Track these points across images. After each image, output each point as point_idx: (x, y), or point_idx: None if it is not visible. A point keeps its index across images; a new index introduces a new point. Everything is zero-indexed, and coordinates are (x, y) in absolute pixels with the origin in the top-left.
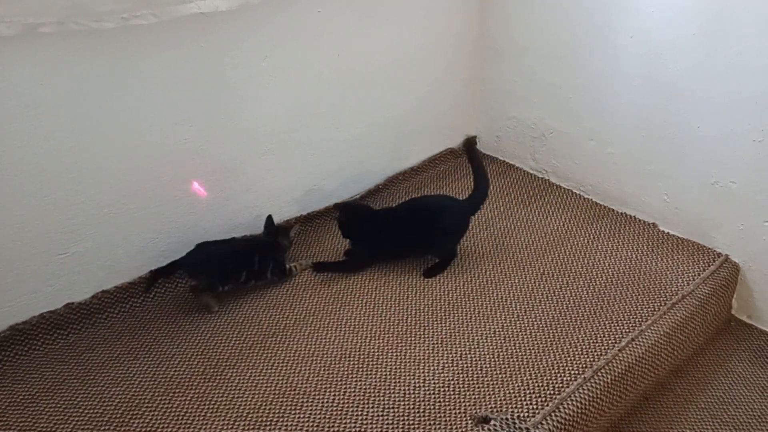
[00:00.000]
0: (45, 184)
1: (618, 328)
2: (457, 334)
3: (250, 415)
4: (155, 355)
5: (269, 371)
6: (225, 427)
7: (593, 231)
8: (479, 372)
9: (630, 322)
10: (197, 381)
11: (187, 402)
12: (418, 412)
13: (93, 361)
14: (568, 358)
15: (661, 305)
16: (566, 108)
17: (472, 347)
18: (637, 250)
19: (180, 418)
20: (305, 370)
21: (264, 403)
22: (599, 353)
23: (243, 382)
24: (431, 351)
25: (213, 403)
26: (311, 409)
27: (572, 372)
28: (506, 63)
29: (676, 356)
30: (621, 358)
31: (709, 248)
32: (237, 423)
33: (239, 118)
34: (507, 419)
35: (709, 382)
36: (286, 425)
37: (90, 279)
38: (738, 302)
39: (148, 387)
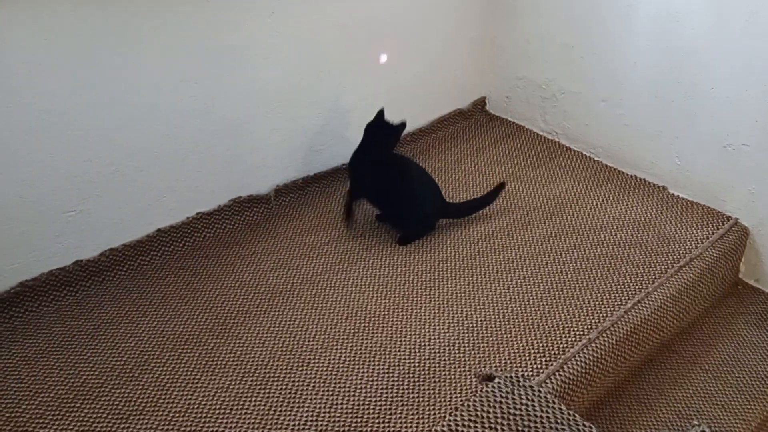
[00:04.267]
0: (50, 142)
1: (625, 290)
2: (462, 294)
3: (257, 371)
4: (164, 312)
5: (277, 329)
6: (233, 383)
7: (602, 193)
8: (484, 332)
9: (637, 284)
10: (205, 337)
11: (195, 358)
12: (423, 369)
13: (102, 318)
14: (574, 319)
15: (668, 268)
16: (578, 69)
17: (478, 307)
18: (646, 213)
19: (189, 373)
20: (312, 327)
21: (272, 360)
22: (605, 315)
23: (251, 339)
24: (437, 311)
25: (221, 359)
26: (318, 366)
27: (577, 333)
28: (518, 22)
29: (682, 319)
30: (627, 320)
31: (719, 211)
32: (245, 378)
33: (245, 76)
34: (511, 377)
35: (714, 345)
36: (293, 381)
37: (98, 237)
38: (746, 266)
39: (156, 343)
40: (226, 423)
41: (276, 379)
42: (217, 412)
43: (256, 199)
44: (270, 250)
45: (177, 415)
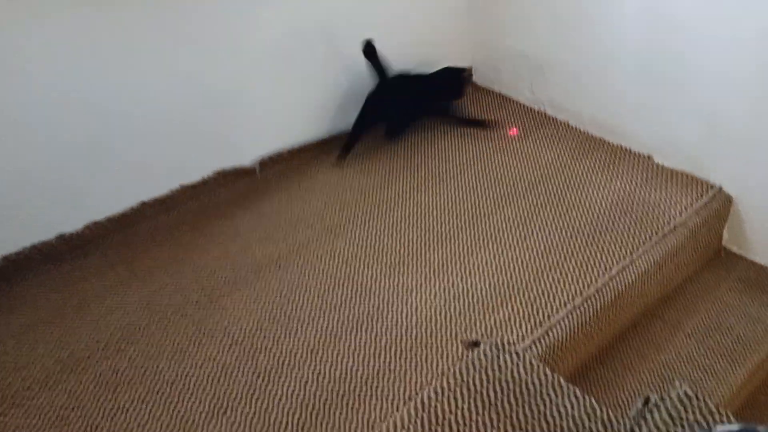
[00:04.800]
0: (30, 115)
1: (609, 257)
2: (449, 263)
3: (244, 341)
4: (149, 285)
5: (263, 300)
6: (220, 353)
7: (588, 163)
8: (471, 299)
9: (622, 251)
10: (191, 309)
11: (182, 329)
12: (411, 337)
13: (87, 291)
14: (559, 286)
15: (653, 235)
16: (566, 39)
17: (464, 276)
18: (631, 182)
19: (175, 344)
20: (299, 298)
21: (259, 330)
22: (590, 281)
23: (237, 310)
24: (424, 280)
25: (208, 330)
26: (305, 335)
27: (563, 300)
28: None
29: (665, 285)
30: (611, 287)
31: (704, 180)
32: (232, 348)
33: (230, 46)
34: (496, 343)
35: (697, 310)
36: (281, 350)
37: (81, 210)
38: (729, 233)
39: (142, 315)
40: (214, 393)
41: (263, 348)
42: (205, 382)
43: (241, 171)
44: (255, 221)
45: (164, 385)
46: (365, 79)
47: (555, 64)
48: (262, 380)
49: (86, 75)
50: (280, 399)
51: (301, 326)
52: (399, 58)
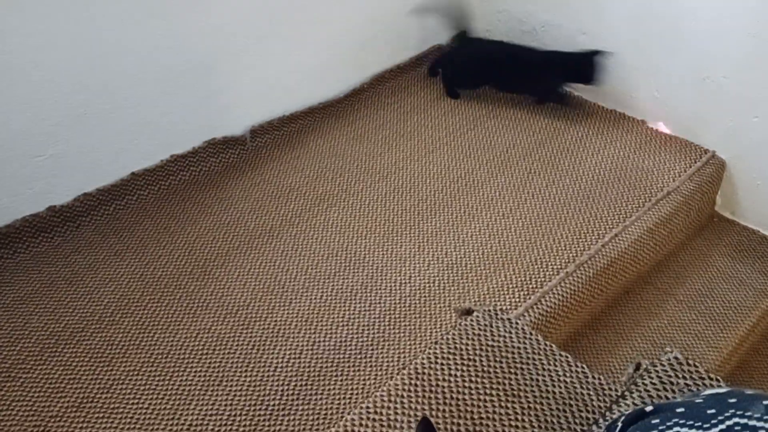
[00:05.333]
0: (14, 83)
1: (602, 224)
2: (442, 232)
3: (239, 312)
4: (142, 257)
5: (257, 270)
6: (215, 323)
7: (581, 129)
8: (464, 268)
9: (614, 218)
10: (185, 280)
11: (176, 300)
12: (404, 306)
13: (80, 263)
14: (552, 254)
15: (646, 201)
16: (560, 2)
17: (458, 245)
18: (625, 147)
19: (170, 315)
20: (293, 268)
21: (253, 300)
22: (583, 248)
23: (231, 281)
24: (417, 249)
25: (202, 301)
26: (299, 305)
27: (555, 267)
28: None
29: (658, 251)
30: (604, 253)
31: (697, 145)
32: (226, 319)
33: (216, 11)
34: (489, 311)
35: (689, 276)
36: (275, 321)
37: (70, 182)
38: (722, 198)
39: (136, 287)
40: (210, 363)
41: (258, 319)
42: (200, 352)
43: (232, 141)
44: (247, 191)
45: (159, 356)
46: (359, 45)
47: (548, 26)
48: (257, 350)
49: (70, 44)
50: (275, 369)
51: (295, 296)
52: (392, 25)
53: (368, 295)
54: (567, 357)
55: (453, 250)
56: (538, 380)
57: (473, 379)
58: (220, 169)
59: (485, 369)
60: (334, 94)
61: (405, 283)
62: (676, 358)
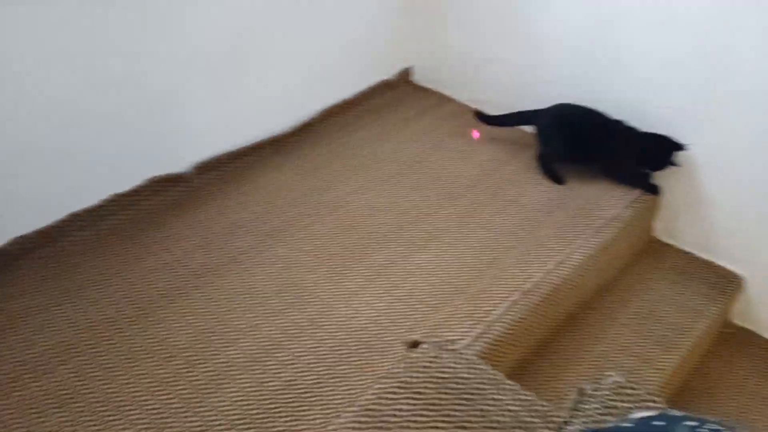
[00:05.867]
0: None
1: (546, 251)
2: (391, 265)
3: (182, 354)
4: (80, 301)
5: (201, 311)
6: (156, 367)
7: (525, 159)
8: (413, 300)
9: (557, 246)
10: (125, 325)
11: (115, 345)
12: (353, 341)
13: (14, 309)
14: (499, 282)
15: (587, 228)
16: (501, 36)
17: (407, 277)
18: (566, 177)
19: (109, 361)
20: (238, 308)
21: (196, 342)
22: (528, 276)
23: (173, 324)
24: (366, 282)
25: (142, 345)
26: (245, 345)
27: (502, 296)
28: None
29: (600, 277)
30: (548, 280)
31: None
32: (168, 362)
33: (162, 45)
34: (436, 342)
35: (631, 300)
36: (220, 362)
37: (7, 223)
38: (660, 224)
39: (73, 333)
40: (149, 409)
41: (201, 361)
42: (140, 398)
43: (175, 178)
44: (192, 230)
45: (97, 405)
46: (306, 80)
47: (493, 61)
48: (201, 394)
49: (7, 74)
50: (219, 412)
51: (241, 336)
52: (336, 60)
53: (317, 331)
54: (514, 386)
55: (402, 282)
56: (485, 410)
57: (421, 412)
58: (163, 207)
59: (433, 401)
60: (282, 129)
61: (354, 317)
62: (617, 381)
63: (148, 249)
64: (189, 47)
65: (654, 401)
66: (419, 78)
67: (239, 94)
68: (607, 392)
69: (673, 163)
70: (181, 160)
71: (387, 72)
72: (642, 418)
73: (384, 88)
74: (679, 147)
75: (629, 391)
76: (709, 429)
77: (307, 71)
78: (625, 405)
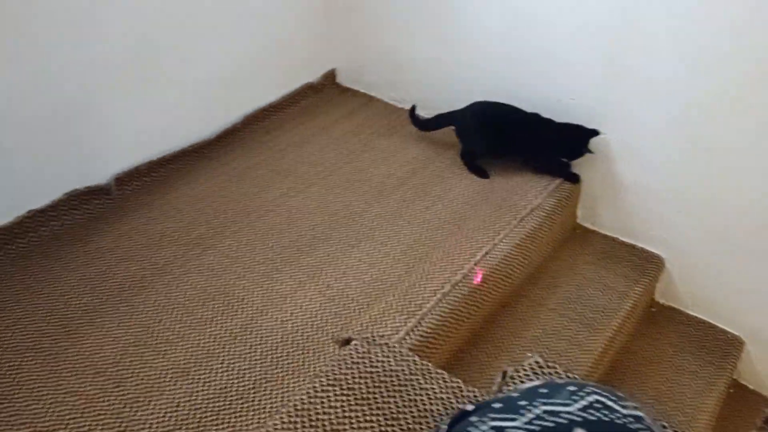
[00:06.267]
0: None
1: (473, 243)
2: (323, 266)
3: (109, 369)
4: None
5: (127, 324)
6: (84, 384)
7: (449, 156)
8: (345, 299)
9: (484, 237)
10: (48, 344)
11: (38, 366)
12: (287, 344)
13: None
14: (429, 277)
15: (512, 219)
16: (421, 36)
17: (339, 277)
18: (490, 171)
19: (32, 382)
20: (166, 318)
21: (124, 355)
22: (456, 269)
23: (100, 338)
24: (298, 285)
25: (68, 363)
26: (175, 356)
27: (433, 289)
28: None
29: (527, 264)
30: (477, 271)
31: None
32: (96, 378)
33: (71, 56)
34: (367, 338)
35: (558, 285)
36: (149, 374)
37: None
38: (582, 210)
39: None
40: (78, 428)
41: (130, 375)
42: (67, 417)
43: (95, 191)
44: (115, 242)
45: (21, 426)
46: (227, 85)
47: (416, 61)
48: (130, 408)
49: None
50: (154, 422)
51: (170, 347)
52: (259, 64)
53: (249, 337)
54: (443, 374)
55: (334, 282)
56: (416, 400)
57: (353, 407)
58: (83, 221)
59: (365, 396)
60: (205, 136)
61: (287, 320)
62: (537, 362)
63: (70, 265)
64: (98, 52)
65: (569, 377)
66: (344, 79)
67: (157, 102)
68: (528, 372)
69: (589, 151)
70: (101, 172)
71: (312, 75)
72: (529, 388)
73: (309, 90)
74: (592, 134)
75: (548, 370)
76: (586, 392)
77: (229, 76)
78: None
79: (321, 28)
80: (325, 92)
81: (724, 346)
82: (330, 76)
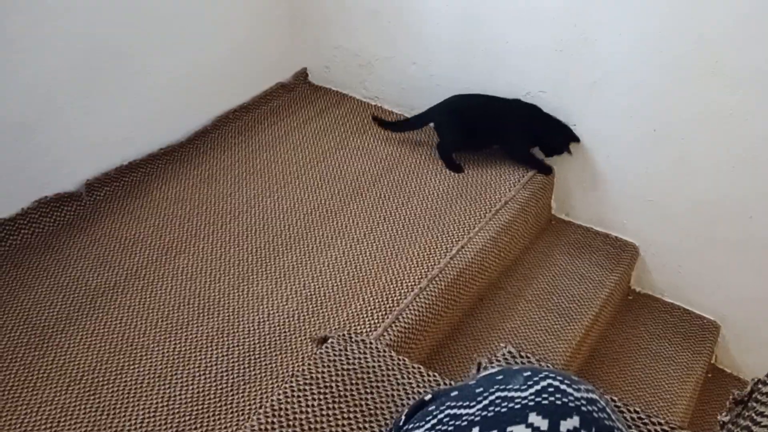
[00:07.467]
0: None
1: (449, 238)
2: (299, 265)
3: (84, 378)
4: None
5: (102, 330)
6: (58, 394)
7: (423, 152)
8: (323, 298)
9: (460, 231)
10: (22, 352)
11: (12, 375)
12: (264, 345)
13: None
14: (406, 272)
15: (486, 212)
16: (387, 34)
17: (315, 275)
18: (463, 165)
19: (7, 392)
20: (141, 323)
21: (99, 363)
22: (433, 263)
23: (73, 346)
24: (274, 285)
25: (42, 371)
26: (151, 361)
27: (409, 284)
28: None
29: (504, 257)
30: (453, 265)
31: None
32: (71, 387)
33: (27, 68)
34: (344, 335)
35: (535, 277)
36: (125, 381)
37: None
38: (557, 202)
39: None
40: None
41: (106, 382)
42: (43, 427)
43: (65, 197)
44: (87, 249)
45: None
46: (197, 89)
47: (381, 59)
48: (107, 416)
49: None
50: (129, 430)
51: (146, 352)
52: (229, 65)
53: (225, 339)
54: (419, 368)
55: (311, 281)
56: (393, 396)
57: (330, 405)
58: (54, 228)
59: (342, 393)
60: (176, 139)
61: (264, 321)
62: (510, 352)
63: (42, 273)
64: (61, 59)
65: (540, 365)
66: (316, 78)
67: (125, 109)
68: (501, 363)
69: (568, 152)
70: (70, 179)
71: (283, 74)
72: (485, 375)
73: (281, 90)
74: (574, 139)
75: (521, 359)
76: (540, 377)
77: (197, 80)
78: None
79: (289, 28)
80: (297, 91)
81: (700, 332)
82: (302, 75)
